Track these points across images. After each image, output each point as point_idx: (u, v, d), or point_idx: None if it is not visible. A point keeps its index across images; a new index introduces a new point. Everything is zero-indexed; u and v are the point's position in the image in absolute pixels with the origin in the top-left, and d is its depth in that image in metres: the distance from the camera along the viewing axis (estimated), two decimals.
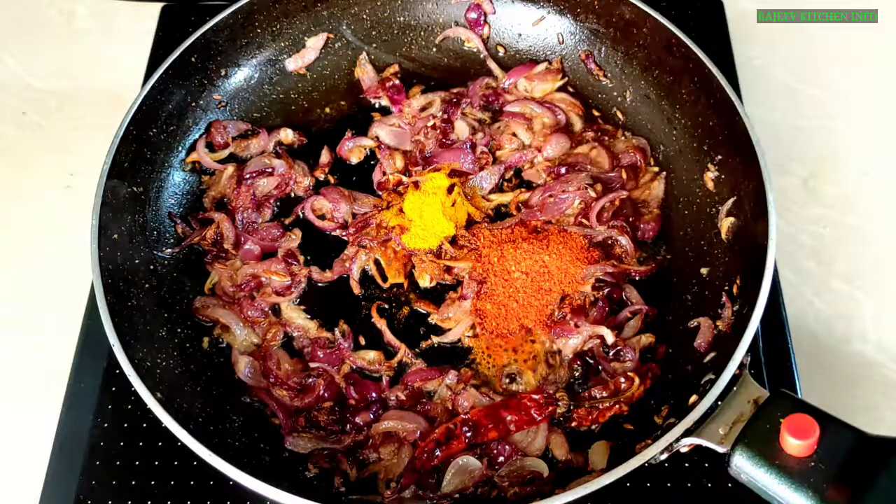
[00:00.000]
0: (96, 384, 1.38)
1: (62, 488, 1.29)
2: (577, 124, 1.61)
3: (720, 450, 1.06)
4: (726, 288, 1.31)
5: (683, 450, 1.11)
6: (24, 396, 1.44)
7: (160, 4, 1.87)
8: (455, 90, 1.65)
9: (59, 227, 1.61)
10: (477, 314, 1.38)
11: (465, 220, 1.48)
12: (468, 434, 1.23)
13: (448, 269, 1.44)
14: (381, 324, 1.40)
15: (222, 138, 1.57)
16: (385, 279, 1.44)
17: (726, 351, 1.16)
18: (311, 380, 1.34)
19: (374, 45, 1.70)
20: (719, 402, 1.10)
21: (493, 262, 1.41)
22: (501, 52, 1.70)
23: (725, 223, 1.37)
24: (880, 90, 1.77)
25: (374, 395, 1.33)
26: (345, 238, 1.49)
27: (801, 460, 0.99)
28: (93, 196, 1.33)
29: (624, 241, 1.43)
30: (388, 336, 1.38)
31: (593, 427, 1.28)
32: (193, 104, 1.56)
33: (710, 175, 1.43)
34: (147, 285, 1.38)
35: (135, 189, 1.44)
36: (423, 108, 1.63)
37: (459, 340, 1.38)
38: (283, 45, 1.65)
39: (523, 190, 1.53)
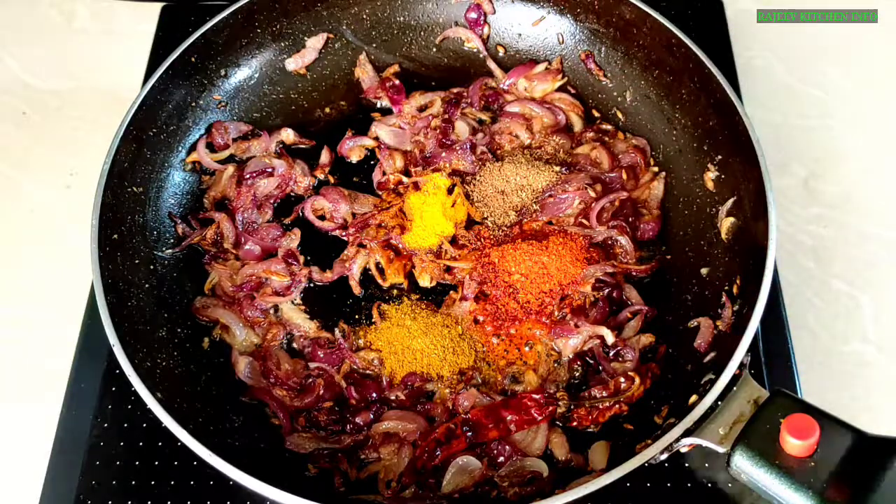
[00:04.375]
0: (96, 384, 1.38)
1: (62, 488, 1.29)
2: (577, 124, 1.61)
3: (720, 450, 1.06)
4: (726, 288, 1.30)
5: (683, 450, 1.11)
6: (24, 396, 1.44)
7: (160, 4, 1.87)
8: (455, 90, 1.65)
9: (59, 227, 1.61)
10: (477, 314, 1.38)
11: (465, 220, 1.48)
12: (469, 434, 1.23)
13: (448, 269, 1.44)
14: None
15: (223, 139, 1.57)
16: (385, 279, 1.45)
17: (726, 351, 1.16)
18: (311, 380, 1.34)
19: (374, 45, 1.70)
20: (719, 402, 1.10)
21: (493, 263, 1.41)
22: (501, 52, 1.70)
23: (725, 223, 1.37)
24: (880, 90, 1.77)
25: (374, 395, 1.33)
26: (345, 238, 1.49)
27: (801, 460, 0.99)
28: (93, 196, 1.33)
29: (624, 241, 1.43)
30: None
31: (593, 427, 1.28)
32: (193, 104, 1.56)
33: (710, 175, 1.43)
34: (147, 285, 1.38)
35: (135, 189, 1.44)
36: (423, 108, 1.63)
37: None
38: (283, 45, 1.65)
39: None
